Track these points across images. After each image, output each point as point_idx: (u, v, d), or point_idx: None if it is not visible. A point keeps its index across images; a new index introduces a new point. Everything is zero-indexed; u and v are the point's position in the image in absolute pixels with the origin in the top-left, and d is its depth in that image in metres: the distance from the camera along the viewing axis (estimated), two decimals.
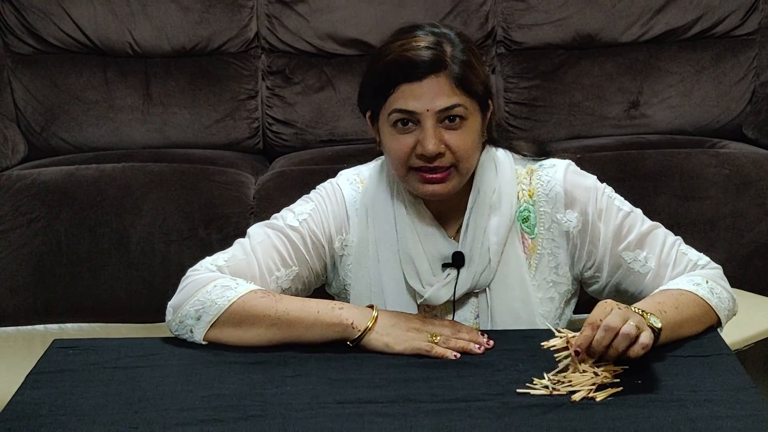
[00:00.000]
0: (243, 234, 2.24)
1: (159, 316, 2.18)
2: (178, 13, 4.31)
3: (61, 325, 3.64)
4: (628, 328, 1.84)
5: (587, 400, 1.81)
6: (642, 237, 2.18)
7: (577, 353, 1.85)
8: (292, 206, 2.26)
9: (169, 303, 2.12)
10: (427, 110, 2.05)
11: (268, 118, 4.35)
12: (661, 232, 2.21)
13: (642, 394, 1.81)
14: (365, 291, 2.23)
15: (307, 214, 2.22)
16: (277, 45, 4.37)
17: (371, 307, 2.08)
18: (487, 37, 4.35)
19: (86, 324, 3.64)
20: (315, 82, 4.34)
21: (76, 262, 3.59)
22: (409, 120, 2.07)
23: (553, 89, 4.33)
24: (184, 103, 4.31)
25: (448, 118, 2.07)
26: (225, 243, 2.32)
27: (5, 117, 4.23)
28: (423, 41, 2.07)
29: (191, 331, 2.08)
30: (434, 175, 2.09)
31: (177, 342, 2.10)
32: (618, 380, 1.86)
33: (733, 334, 2.50)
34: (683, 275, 2.16)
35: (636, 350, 1.85)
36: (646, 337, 1.85)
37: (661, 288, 2.13)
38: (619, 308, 1.87)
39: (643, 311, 1.93)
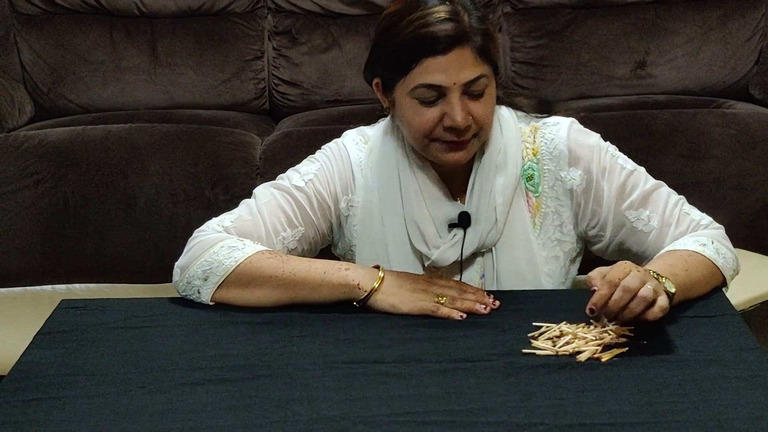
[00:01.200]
0: (249, 195, 2.24)
1: (166, 276, 2.19)
2: None
3: (69, 285, 3.65)
4: (646, 291, 1.83)
5: (593, 360, 1.81)
6: (645, 196, 2.18)
7: (591, 311, 1.85)
8: (297, 166, 2.26)
9: (176, 264, 2.12)
10: (454, 83, 2.04)
11: (275, 78, 4.34)
12: (665, 191, 2.20)
13: (647, 355, 1.82)
14: (371, 252, 2.23)
15: (313, 174, 2.22)
16: (283, 5, 4.36)
17: (377, 267, 2.09)
18: None
19: (94, 284, 3.65)
20: (321, 42, 4.33)
21: (83, 222, 3.59)
22: (434, 93, 2.06)
23: (560, 49, 4.32)
24: (191, 64, 4.31)
25: (472, 88, 2.06)
26: (231, 204, 2.33)
27: (12, 78, 4.23)
28: (441, 12, 2.04)
29: (198, 292, 2.09)
30: (459, 145, 2.09)
31: (184, 302, 2.10)
32: (624, 340, 1.86)
33: (738, 295, 2.50)
34: (688, 235, 2.16)
35: (655, 312, 1.85)
36: (663, 301, 1.85)
37: (669, 248, 2.12)
38: (638, 270, 1.87)
39: (658, 275, 1.93)
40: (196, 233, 2.15)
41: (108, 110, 4.23)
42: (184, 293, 2.11)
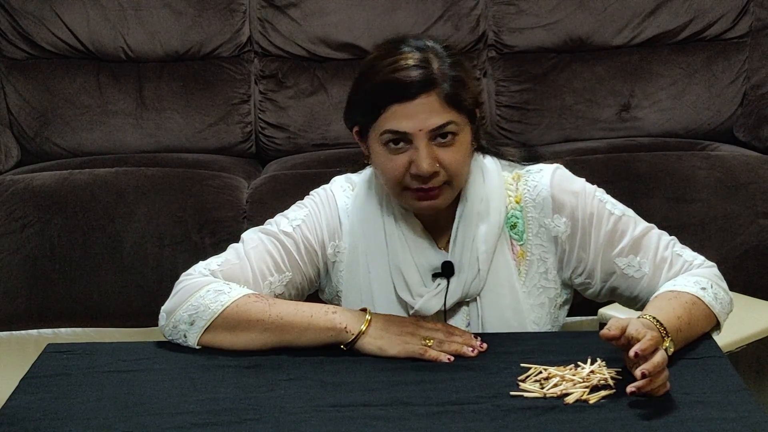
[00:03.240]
0: (236, 238, 2.24)
1: (152, 320, 2.19)
2: (170, 18, 4.32)
3: (55, 329, 3.65)
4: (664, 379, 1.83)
5: (580, 403, 1.81)
6: (636, 241, 2.16)
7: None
8: (286, 212, 2.25)
9: (163, 308, 2.12)
10: (420, 130, 2.03)
11: (261, 122, 4.35)
12: (655, 233, 2.19)
13: (634, 397, 1.81)
14: (356, 299, 2.22)
15: (301, 220, 2.22)
16: (269, 49, 4.38)
17: (364, 310, 2.09)
18: (479, 41, 4.35)
19: (80, 329, 3.65)
20: (307, 86, 4.35)
21: (69, 266, 3.59)
22: (401, 140, 2.06)
23: (545, 93, 4.33)
24: (177, 108, 4.32)
25: (440, 135, 2.05)
26: (218, 247, 2.33)
27: None
28: (411, 59, 2.04)
29: (185, 336, 2.08)
30: (429, 194, 2.08)
31: (171, 346, 2.10)
32: (611, 382, 1.86)
33: (725, 337, 2.50)
34: (688, 274, 2.14)
35: (646, 367, 1.80)
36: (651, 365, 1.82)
37: (671, 288, 2.10)
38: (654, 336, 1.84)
39: (667, 332, 1.92)
40: (182, 277, 2.15)
41: (94, 154, 4.24)
42: (170, 337, 2.11)
